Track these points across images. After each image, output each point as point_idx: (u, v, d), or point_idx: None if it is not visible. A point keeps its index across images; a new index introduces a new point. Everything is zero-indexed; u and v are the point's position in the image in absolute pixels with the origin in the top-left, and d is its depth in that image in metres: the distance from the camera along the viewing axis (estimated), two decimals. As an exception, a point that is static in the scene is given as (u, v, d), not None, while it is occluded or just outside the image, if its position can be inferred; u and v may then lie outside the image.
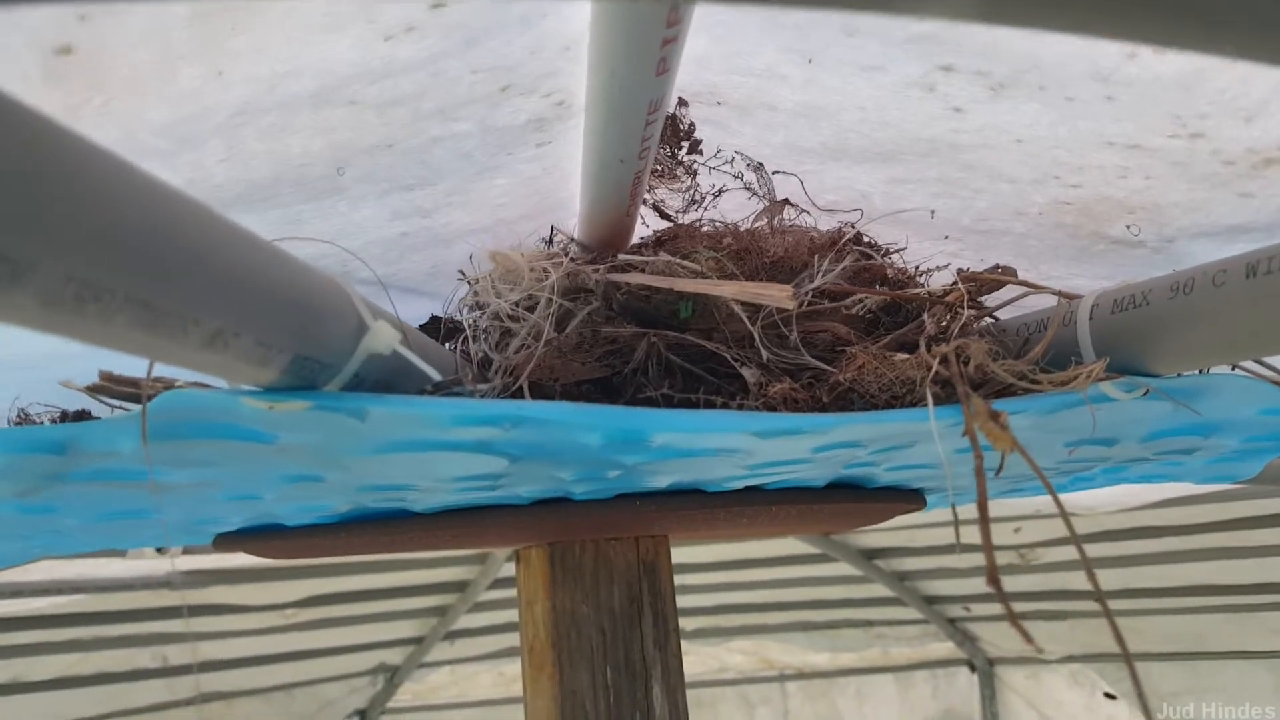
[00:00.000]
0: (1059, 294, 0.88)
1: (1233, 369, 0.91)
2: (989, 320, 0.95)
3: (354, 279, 0.99)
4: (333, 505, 1.02)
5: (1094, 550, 2.81)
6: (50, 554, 1.39)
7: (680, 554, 3.26)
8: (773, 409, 0.81)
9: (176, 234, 0.43)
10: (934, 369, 0.72)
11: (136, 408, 0.65)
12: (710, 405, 0.83)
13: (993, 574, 0.52)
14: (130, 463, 0.71)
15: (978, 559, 3.05)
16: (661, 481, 1.00)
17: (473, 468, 0.84)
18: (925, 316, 0.84)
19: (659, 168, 0.92)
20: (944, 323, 0.85)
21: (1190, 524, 2.51)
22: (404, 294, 1.10)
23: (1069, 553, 2.89)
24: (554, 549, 1.24)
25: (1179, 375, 0.89)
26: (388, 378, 0.67)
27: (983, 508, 0.57)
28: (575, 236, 1.04)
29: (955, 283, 0.89)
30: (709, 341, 0.87)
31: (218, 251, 0.46)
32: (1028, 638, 0.50)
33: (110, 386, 0.65)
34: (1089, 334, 0.84)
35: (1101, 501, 2.51)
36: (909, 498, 1.36)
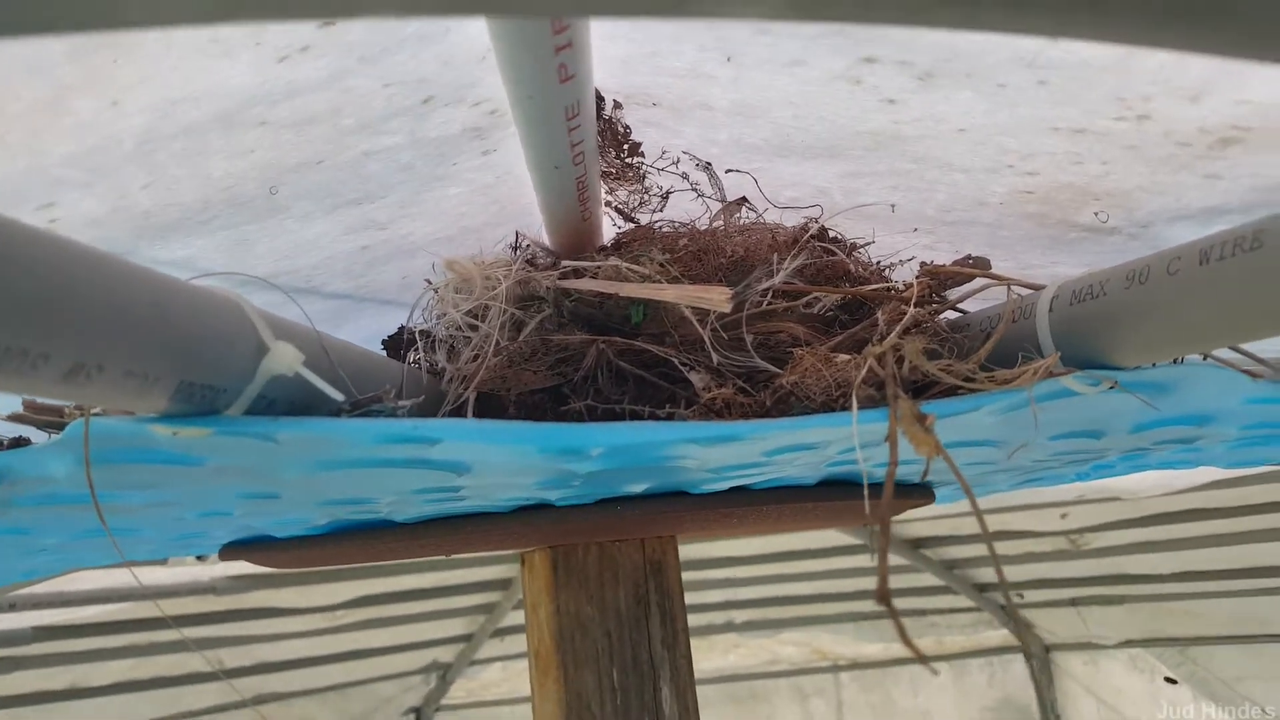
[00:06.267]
0: (1009, 283, 0.83)
1: (1204, 358, 0.87)
2: (952, 314, 0.92)
3: (319, 294, 1.00)
4: (311, 519, 1.02)
5: (1144, 534, 2.73)
6: (64, 569, 1.42)
7: (724, 547, 3.24)
8: (717, 414, 0.79)
9: (8, 272, 0.43)
10: (866, 370, 0.70)
11: (60, 435, 0.66)
12: (636, 415, 0.81)
13: (882, 589, 0.50)
14: (67, 487, 0.72)
15: (1028, 545, 2.99)
16: (636, 487, 0.98)
17: (422, 481, 0.83)
18: (879, 314, 0.82)
19: (611, 170, 0.91)
20: (897, 319, 0.82)
21: (1239, 505, 2.43)
22: (380, 305, 1.10)
23: (1121, 537, 2.81)
24: (556, 552, 1.22)
25: (1153, 366, 0.85)
26: (304, 398, 0.67)
27: (885, 523, 0.55)
28: (544, 243, 1.03)
29: (916, 277, 0.86)
30: (659, 346, 0.85)
31: (63, 284, 0.46)
32: (918, 653, 0.48)
33: (32, 416, 0.65)
34: (1048, 327, 0.80)
35: (1145, 486, 2.43)
36: (913, 492, 1.31)
